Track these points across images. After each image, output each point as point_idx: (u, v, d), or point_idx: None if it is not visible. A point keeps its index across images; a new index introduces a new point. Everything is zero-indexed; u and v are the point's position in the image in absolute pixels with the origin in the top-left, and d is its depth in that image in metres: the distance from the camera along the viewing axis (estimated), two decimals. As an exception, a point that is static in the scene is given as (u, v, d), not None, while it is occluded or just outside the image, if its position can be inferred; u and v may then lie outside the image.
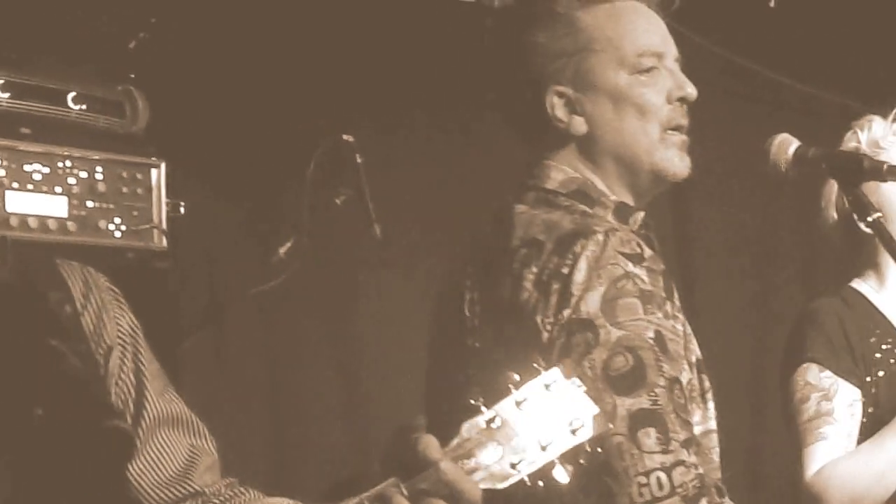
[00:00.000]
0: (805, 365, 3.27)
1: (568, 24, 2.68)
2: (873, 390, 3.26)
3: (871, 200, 2.67)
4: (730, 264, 5.22)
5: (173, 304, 4.16)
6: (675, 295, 2.49)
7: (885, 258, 3.30)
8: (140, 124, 3.79)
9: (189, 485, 2.02)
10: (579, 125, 2.68)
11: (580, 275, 2.42)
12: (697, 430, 2.48)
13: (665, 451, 2.30)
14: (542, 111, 2.68)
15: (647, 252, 2.50)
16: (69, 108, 3.65)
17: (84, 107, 3.68)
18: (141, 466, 1.93)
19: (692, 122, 4.86)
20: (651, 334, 2.38)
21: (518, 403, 1.88)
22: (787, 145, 2.74)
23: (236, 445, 4.78)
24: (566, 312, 2.40)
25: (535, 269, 2.48)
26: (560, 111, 2.68)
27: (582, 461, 1.89)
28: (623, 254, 2.45)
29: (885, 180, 2.69)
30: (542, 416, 1.86)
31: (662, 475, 2.28)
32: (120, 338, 2.01)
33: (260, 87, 4.69)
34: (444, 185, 5.04)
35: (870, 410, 3.25)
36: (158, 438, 1.95)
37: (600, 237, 2.45)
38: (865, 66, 5.11)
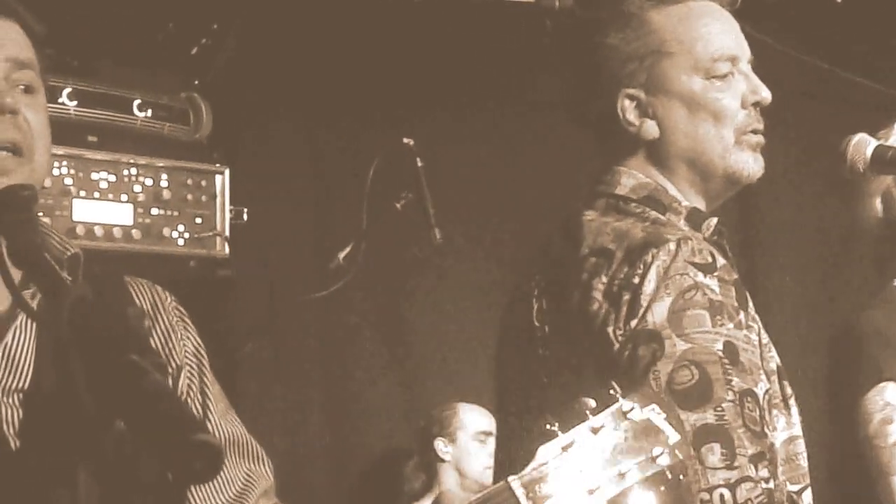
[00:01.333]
0: (882, 384, 3.16)
1: (640, 26, 2.63)
2: None
3: None
4: (799, 266, 5.17)
5: (234, 311, 4.17)
6: (750, 304, 2.43)
7: None
8: (204, 131, 3.79)
9: None
10: (651, 129, 2.63)
11: (650, 285, 2.36)
12: (782, 436, 2.44)
13: (730, 468, 2.24)
14: (612, 115, 2.65)
15: (720, 261, 2.43)
16: (135, 115, 3.65)
17: (149, 114, 3.68)
18: (200, 490, 1.93)
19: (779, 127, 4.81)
20: (720, 346, 2.32)
21: (595, 430, 1.85)
22: (864, 145, 2.67)
23: (292, 450, 4.84)
24: (633, 323, 2.35)
25: (604, 280, 2.43)
26: (631, 115, 2.63)
27: (663, 488, 1.87)
28: (694, 264, 2.39)
29: None
30: (619, 444, 1.84)
31: (726, 492, 2.23)
32: (187, 358, 2.02)
33: (320, 92, 4.68)
34: (505, 190, 5.01)
35: None
36: None
37: (671, 246, 2.39)
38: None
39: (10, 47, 1.92)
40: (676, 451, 1.85)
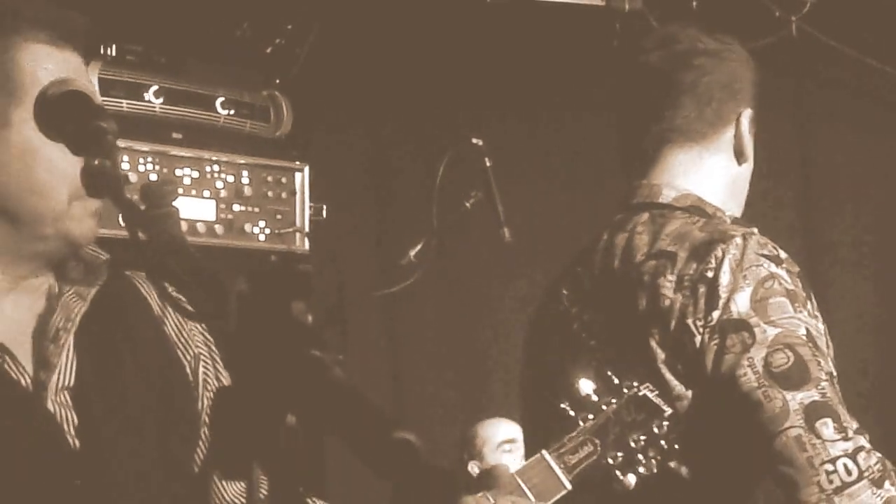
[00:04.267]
0: None
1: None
2: None
3: None
4: (860, 270, 5.17)
5: (311, 306, 4.20)
6: (812, 295, 2.50)
7: None
8: (284, 129, 3.84)
9: None
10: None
11: (725, 277, 2.43)
12: None
13: (845, 439, 2.32)
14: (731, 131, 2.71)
15: (783, 254, 2.50)
16: (218, 112, 3.70)
17: (232, 111, 3.73)
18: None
19: (824, 126, 4.81)
20: (803, 332, 2.40)
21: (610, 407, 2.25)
22: None
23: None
24: (715, 314, 2.41)
25: (671, 278, 2.48)
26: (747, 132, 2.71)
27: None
28: (763, 255, 2.46)
29: None
30: (629, 419, 2.25)
31: (848, 461, 2.31)
32: (199, 348, 2.09)
33: (392, 91, 4.72)
34: (574, 191, 5.04)
35: None
36: None
37: (739, 240, 2.46)
38: None
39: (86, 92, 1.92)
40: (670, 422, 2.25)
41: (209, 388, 2.08)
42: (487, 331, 5.10)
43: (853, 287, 5.08)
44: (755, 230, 2.58)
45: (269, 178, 3.77)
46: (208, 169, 3.66)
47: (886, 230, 5.06)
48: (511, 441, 5.06)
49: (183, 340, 2.07)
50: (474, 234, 4.71)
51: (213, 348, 2.11)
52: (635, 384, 2.27)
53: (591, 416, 2.25)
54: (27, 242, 1.93)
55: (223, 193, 3.68)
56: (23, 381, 1.90)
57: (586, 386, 2.27)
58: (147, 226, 1.62)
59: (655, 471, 2.24)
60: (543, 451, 2.23)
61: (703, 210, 2.61)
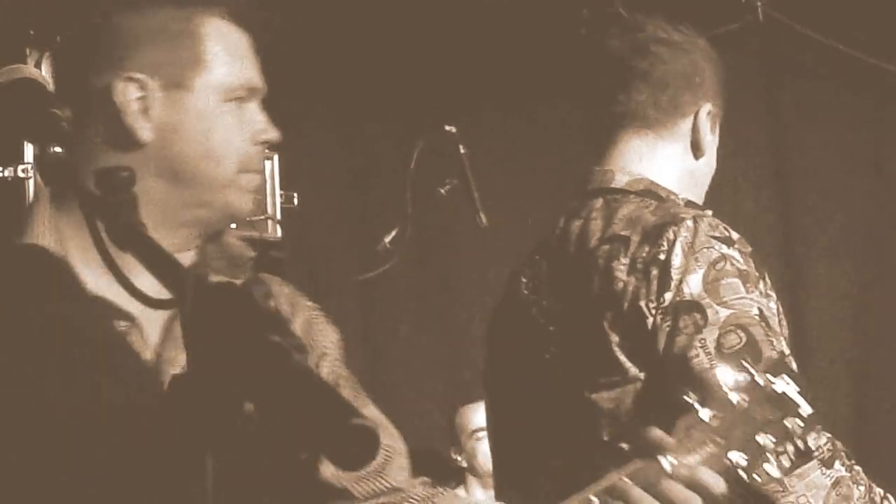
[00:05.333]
0: None
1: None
2: None
3: None
4: (837, 255, 5.19)
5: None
6: (766, 274, 2.54)
7: None
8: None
9: (385, 481, 2.05)
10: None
11: (677, 259, 2.46)
12: None
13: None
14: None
15: (735, 234, 2.53)
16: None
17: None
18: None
19: (794, 112, 4.81)
20: (756, 311, 2.43)
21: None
22: None
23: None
24: (668, 296, 2.45)
25: (624, 260, 2.51)
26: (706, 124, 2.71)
27: None
28: (714, 237, 2.49)
29: None
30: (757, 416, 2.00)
31: (798, 441, 2.33)
32: (327, 348, 2.08)
33: (366, 78, 4.72)
34: (549, 177, 5.04)
35: None
36: None
37: (690, 223, 2.49)
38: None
39: (255, 74, 1.98)
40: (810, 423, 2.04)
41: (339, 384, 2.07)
42: (463, 315, 5.11)
43: (828, 272, 5.10)
44: (708, 212, 2.60)
45: (240, 166, 3.76)
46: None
47: (858, 215, 5.09)
48: (484, 429, 5.05)
49: (310, 340, 2.06)
50: (450, 220, 4.72)
51: (341, 349, 2.12)
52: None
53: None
54: (190, 208, 1.94)
55: (195, 182, 3.67)
56: (145, 355, 1.91)
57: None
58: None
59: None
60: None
61: (656, 194, 2.63)
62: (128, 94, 1.90)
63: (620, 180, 2.65)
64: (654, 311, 2.46)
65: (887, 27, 4.79)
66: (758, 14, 4.27)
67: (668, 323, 2.44)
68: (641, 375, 2.47)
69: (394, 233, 4.34)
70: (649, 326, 2.45)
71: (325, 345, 2.09)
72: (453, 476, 5.20)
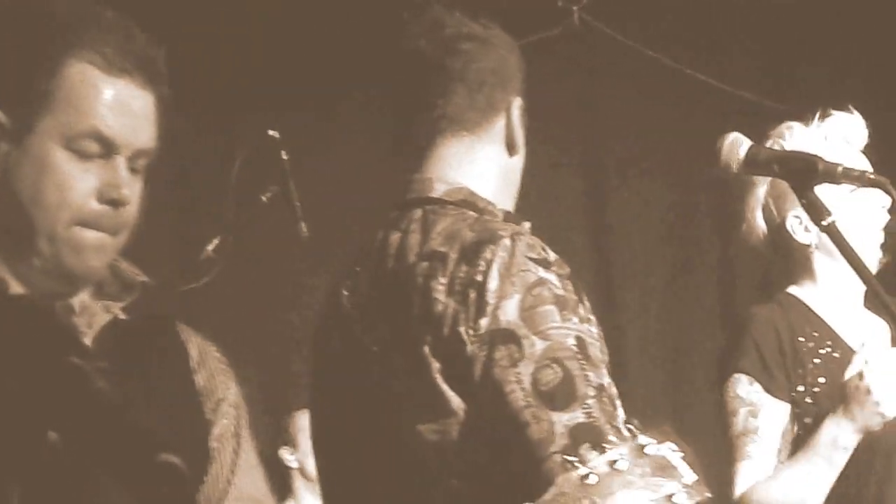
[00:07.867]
0: (736, 376, 3.18)
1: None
2: (808, 400, 3.20)
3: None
4: (650, 263, 5.28)
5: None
6: (585, 297, 2.42)
7: (822, 264, 3.25)
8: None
9: None
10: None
11: (493, 282, 2.34)
12: None
13: None
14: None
15: (552, 255, 2.42)
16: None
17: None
18: None
19: (609, 116, 4.88)
20: (573, 341, 2.32)
21: (611, 463, 1.88)
22: (738, 145, 2.57)
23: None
24: (483, 322, 2.32)
25: (443, 280, 2.39)
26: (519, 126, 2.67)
27: None
28: (532, 259, 2.38)
29: (838, 183, 2.56)
30: (637, 479, 1.86)
31: None
32: (228, 407, 2.09)
33: (185, 83, 4.63)
34: (372, 184, 5.03)
35: (807, 421, 3.19)
36: None
37: (507, 242, 2.37)
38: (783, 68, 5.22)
39: (144, 135, 1.99)
40: (693, 491, 1.87)
41: (224, 444, 2.04)
42: (287, 326, 5.07)
43: (643, 279, 5.21)
44: (526, 227, 2.52)
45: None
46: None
47: (673, 222, 5.20)
48: None
49: (209, 389, 2.06)
50: (273, 228, 4.66)
51: (243, 412, 2.12)
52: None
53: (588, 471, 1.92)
54: (28, 255, 1.87)
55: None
56: None
57: None
58: None
59: None
60: None
61: (474, 205, 2.52)
62: None
63: (439, 189, 2.53)
64: (472, 339, 2.33)
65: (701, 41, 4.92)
66: (574, 19, 4.29)
67: (485, 353, 2.31)
68: (464, 406, 2.34)
69: (216, 241, 4.27)
70: (468, 354, 2.33)
71: (222, 391, 2.08)
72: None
